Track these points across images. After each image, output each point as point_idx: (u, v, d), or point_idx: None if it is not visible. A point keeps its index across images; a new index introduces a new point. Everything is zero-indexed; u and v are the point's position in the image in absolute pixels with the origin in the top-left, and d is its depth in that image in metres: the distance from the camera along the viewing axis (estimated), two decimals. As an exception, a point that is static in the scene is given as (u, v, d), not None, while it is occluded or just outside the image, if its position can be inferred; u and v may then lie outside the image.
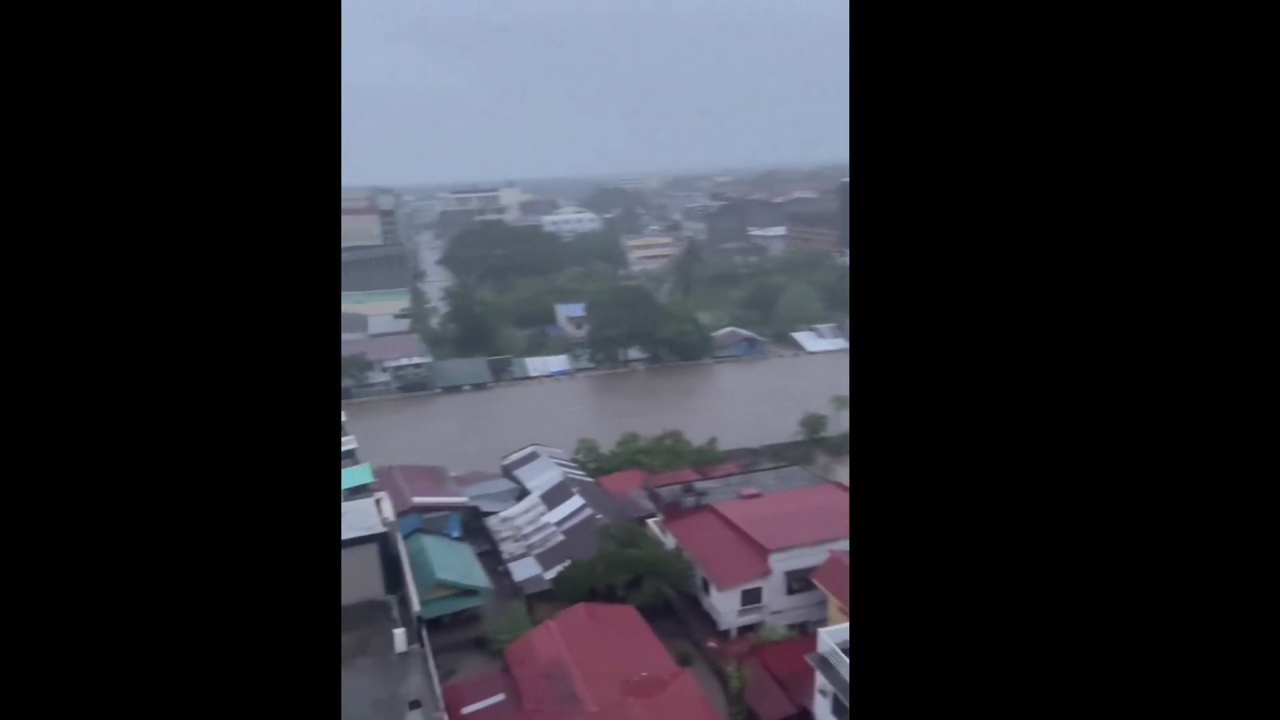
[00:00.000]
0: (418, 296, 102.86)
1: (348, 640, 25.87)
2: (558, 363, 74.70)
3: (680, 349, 75.47)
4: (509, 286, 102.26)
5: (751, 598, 31.19)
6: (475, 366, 72.08)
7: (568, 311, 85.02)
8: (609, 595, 30.98)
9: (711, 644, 30.38)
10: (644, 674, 25.70)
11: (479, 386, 70.25)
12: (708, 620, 31.91)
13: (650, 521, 36.73)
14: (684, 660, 28.47)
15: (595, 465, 44.95)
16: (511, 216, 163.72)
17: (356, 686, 23.77)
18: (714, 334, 79.87)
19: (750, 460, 47.88)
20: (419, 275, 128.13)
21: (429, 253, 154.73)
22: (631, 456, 45.02)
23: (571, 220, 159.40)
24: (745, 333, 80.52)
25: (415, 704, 21.73)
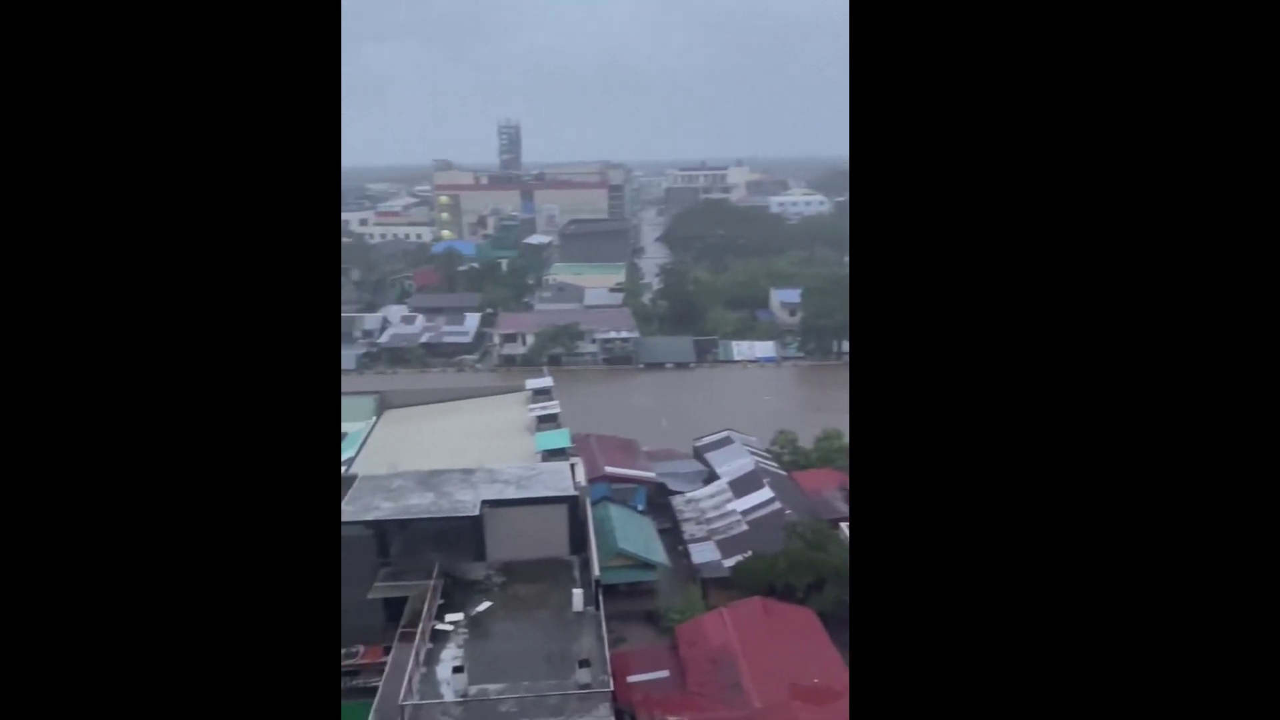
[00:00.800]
0: (634, 272, 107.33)
1: (530, 591, 28.23)
2: (765, 349, 74.46)
3: (901, 346, 71.70)
4: (725, 267, 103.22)
5: (946, 624, 29.36)
6: (680, 345, 74.01)
7: (782, 297, 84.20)
8: (788, 594, 30.78)
9: (895, 665, 29.12)
10: (815, 680, 25.34)
11: (681, 365, 72.08)
12: (894, 639, 30.56)
13: (843, 525, 35.77)
14: (861, 676, 27.58)
15: (791, 459, 44.50)
16: (737, 195, 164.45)
17: (532, 638, 25.92)
18: (943, 333, 74.89)
19: (967, 475, 44.64)
20: (638, 251, 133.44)
21: (651, 229, 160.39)
22: (831, 454, 43.94)
23: (799, 202, 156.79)
24: (980, 334, 74.58)
25: (584, 663, 23.24)
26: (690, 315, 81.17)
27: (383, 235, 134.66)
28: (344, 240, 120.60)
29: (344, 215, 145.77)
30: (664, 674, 26.50)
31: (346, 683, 26.88)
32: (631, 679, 26.05)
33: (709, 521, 37.56)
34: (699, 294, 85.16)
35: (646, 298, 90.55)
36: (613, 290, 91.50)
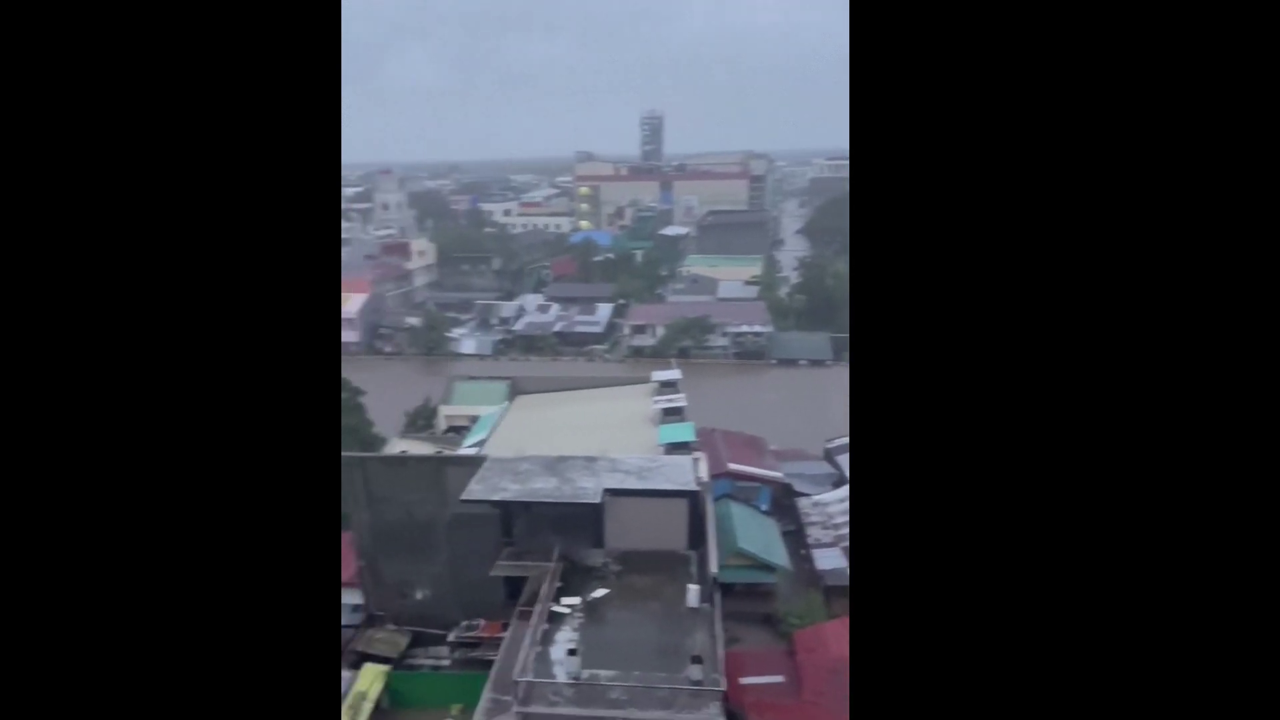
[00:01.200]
0: (771, 265, 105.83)
1: (646, 582, 28.62)
2: (909, 349, 71.47)
3: (1064, 351, 66.69)
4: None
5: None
6: (816, 342, 72.35)
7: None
8: (917, 608, 29.53)
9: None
10: (941, 703, 24.26)
11: (816, 363, 70.46)
12: (1035, 668, 28.64)
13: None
14: (994, 703, 26.06)
15: (929, 466, 42.56)
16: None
17: (646, 629, 26.28)
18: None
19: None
20: (777, 243, 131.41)
21: (792, 221, 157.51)
22: (974, 464, 41.67)
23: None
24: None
25: (697, 659, 23.34)
26: (828, 311, 79.13)
27: (524, 225, 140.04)
28: (486, 230, 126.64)
29: (487, 206, 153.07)
30: (779, 679, 26.21)
31: (465, 654, 28.42)
32: (744, 680, 25.94)
33: (836, 527, 36.63)
34: (839, 289, 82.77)
35: (783, 291, 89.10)
36: (748, 283, 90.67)
